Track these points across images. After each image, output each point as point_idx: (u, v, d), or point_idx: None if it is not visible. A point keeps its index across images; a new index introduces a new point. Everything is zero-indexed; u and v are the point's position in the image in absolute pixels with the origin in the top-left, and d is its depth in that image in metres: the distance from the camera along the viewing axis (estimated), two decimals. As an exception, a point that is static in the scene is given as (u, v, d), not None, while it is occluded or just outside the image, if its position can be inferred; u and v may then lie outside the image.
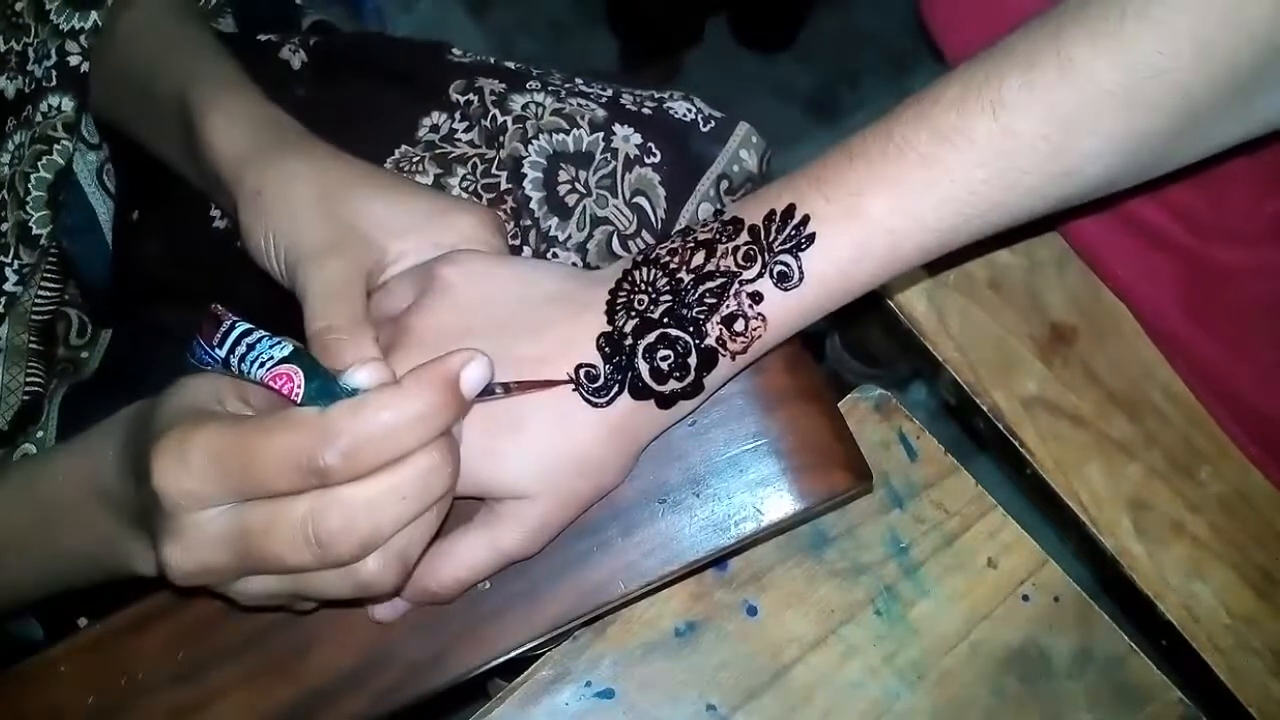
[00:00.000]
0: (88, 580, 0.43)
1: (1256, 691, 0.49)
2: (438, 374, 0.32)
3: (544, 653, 0.46)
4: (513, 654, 0.42)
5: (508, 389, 0.36)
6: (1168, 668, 0.49)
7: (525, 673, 0.46)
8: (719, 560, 0.47)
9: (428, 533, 0.34)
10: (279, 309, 0.44)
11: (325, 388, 0.32)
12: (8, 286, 0.50)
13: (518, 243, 0.53)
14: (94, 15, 0.49)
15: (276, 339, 0.33)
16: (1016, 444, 0.52)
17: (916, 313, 0.55)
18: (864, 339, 1.04)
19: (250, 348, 0.33)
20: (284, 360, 0.33)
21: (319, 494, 0.31)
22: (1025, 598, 0.48)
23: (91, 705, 0.41)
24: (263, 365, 0.33)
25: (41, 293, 0.54)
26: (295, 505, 0.31)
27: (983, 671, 0.47)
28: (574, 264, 0.53)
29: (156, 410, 0.35)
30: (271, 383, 0.32)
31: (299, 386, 0.32)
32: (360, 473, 0.31)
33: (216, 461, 0.31)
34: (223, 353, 0.34)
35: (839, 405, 0.47)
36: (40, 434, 0.54)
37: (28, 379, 0.53)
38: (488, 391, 0.35)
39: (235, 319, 0.34)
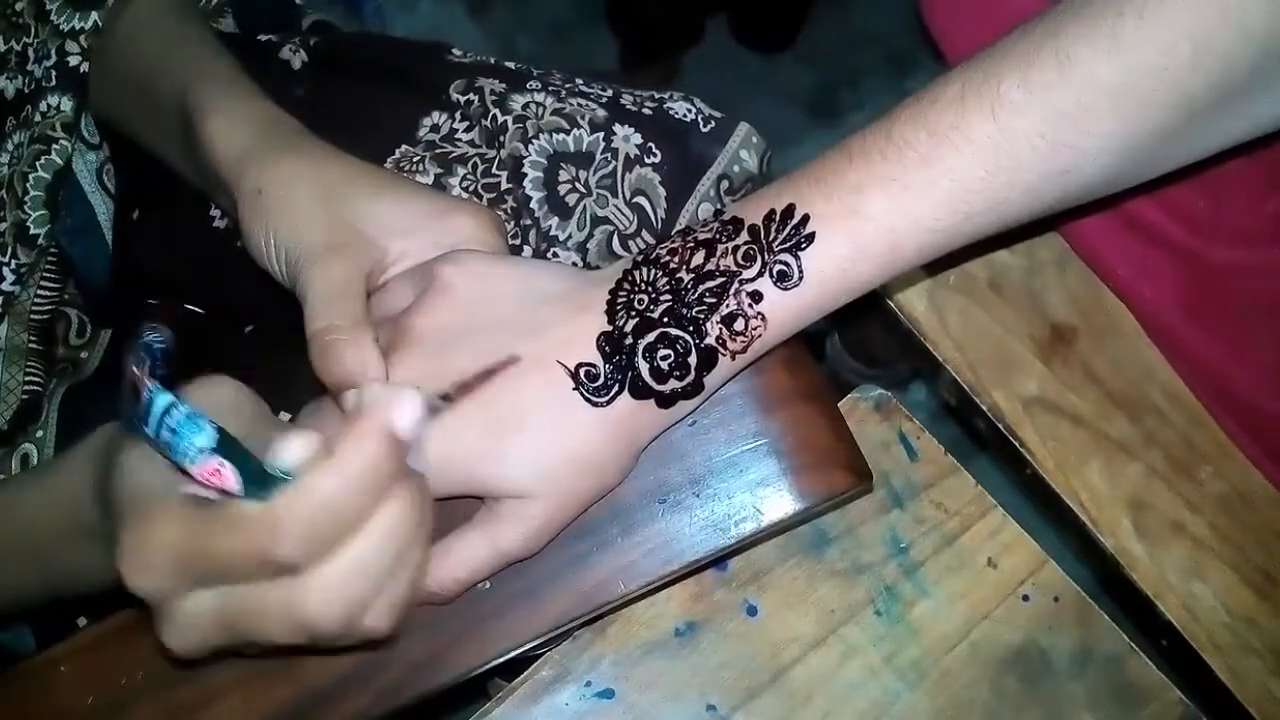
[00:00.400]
0: (82, 590, 0.43)
1: (1256, 691, 0.49)
2: (369, 430, 0.30)
3: (544, 653, 0.46)
4: (513, 654, 0.41)
5: (448, 398, 0.35)
6: (1168, 668, 0.49)
7: (525, 673, 0.46)
8: (719, 560, 0.47)
9: (415, 571, 0.33)
10: (278, 308, 0.44)
11: (258, 477, 0.30)
12: (5, 286, 0.50)
13: (518, 242, 0.53)
14: (94, 15, 0.49)
15: (195, 417, 0.30)
16: (1016, 444, 0.52)
17: (916, 313, 0.55)
18: (864, 339, 1.04)
19: (174, 432, 0.30)
20: (206, 450, 0.29)
21: (289, 583, 0.30)
22: (1025, 598, 0.48)
23: (91, 705, 0.41)
24: (189, 458, 0.30)
25: (41, 292, 0.54)
26: (268, 596, 0.30)
27: (983, 671, 0.47)
28: (574, 264, 0.53)
29: (109, 479, 0.34)
30: (205, 480, 0.30)
31: (233, 478, 0.30)
32: (325, 551, 0.30)
33: (178, 560, 0.30)
34: (150, 431, 0.30)
35: (839, 405, 0.47)
36: (40, 433, 0.54)
37: (27, 379, 0.53)
38: (432, 410, 0.33)
39: (151, 388, 0.30)
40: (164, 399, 0.30)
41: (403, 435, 0.31)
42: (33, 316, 0.54)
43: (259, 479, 0.30)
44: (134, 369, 0.31)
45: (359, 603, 0.31)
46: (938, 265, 0.55)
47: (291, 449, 0.30)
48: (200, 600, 0.31)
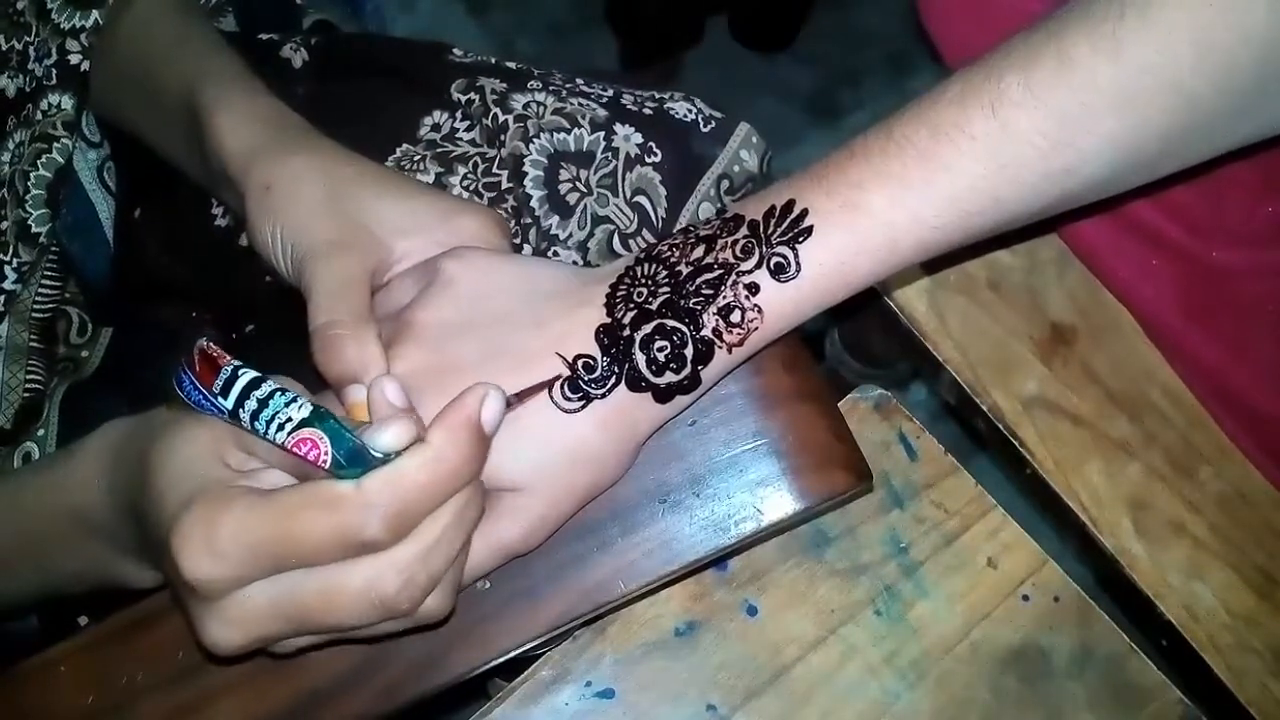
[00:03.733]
0: (79, 591, 0.43)
1: (1256, 691, 0.49)
2: (462, 423, 0.32)
3: (544, 653, 0.46)
4: (513, 654, 0.41)
5: (509, 404, 0.36)
6: (1168, 668, 0.49)
7: (525, 673, 0.46)
8: (719, 560, 0.47)
9: (466, 553, 0.35)
10: (279, 306, 0.44)
11: (354, 454, 0.31)
12: (7, 284, 0.50)
13: (518, 241, 0.53)
14: (95, 14, 0.49)
15: (289, 394, 0.31)
16: (1016, 444, 0.52)
17: (916, 313, 0.55)
18: (864, 339, 1.04)
19: (262, 404, 0.31)
20: (305, 423, 0.31)
21: (371, 561, 0.31)
22: (1025, 598, 0.48)
23: (91, 705, 0.41)
24: (282, 428, 0.31)
25: (42, 291, 0.54)
26: (350, 576, 0.31)
27: (983, 671, 0.47)
28: (575, 262, 0.53)
29: (153, 470, 0.34)
30: (295, 449, 0.31)
31: (325, 454, 0.30)
32: (405, 535, 0.31)
33: (251, 546, 0.30)
34: (228, 403, 0.31)
35: (839, 405, 0.47)
36: (41, 432, 0.54)
37: (28, 378, 0.53)
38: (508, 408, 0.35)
39: (237, 364, 0.32)
40: (249, 373, 0.31)
41: (489, 430, 0.33)
42: (34, 315, 0.54)
43: (353, 461, 0.31)
44: (206, 344, 0.32)
45: (432, 581, 0.32)
46: (938, 265, 0.55)
47: (392, 432, 0.31)
48: (258, 590, 0.31)
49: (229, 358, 0.32)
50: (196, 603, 0.31)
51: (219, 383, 0.31)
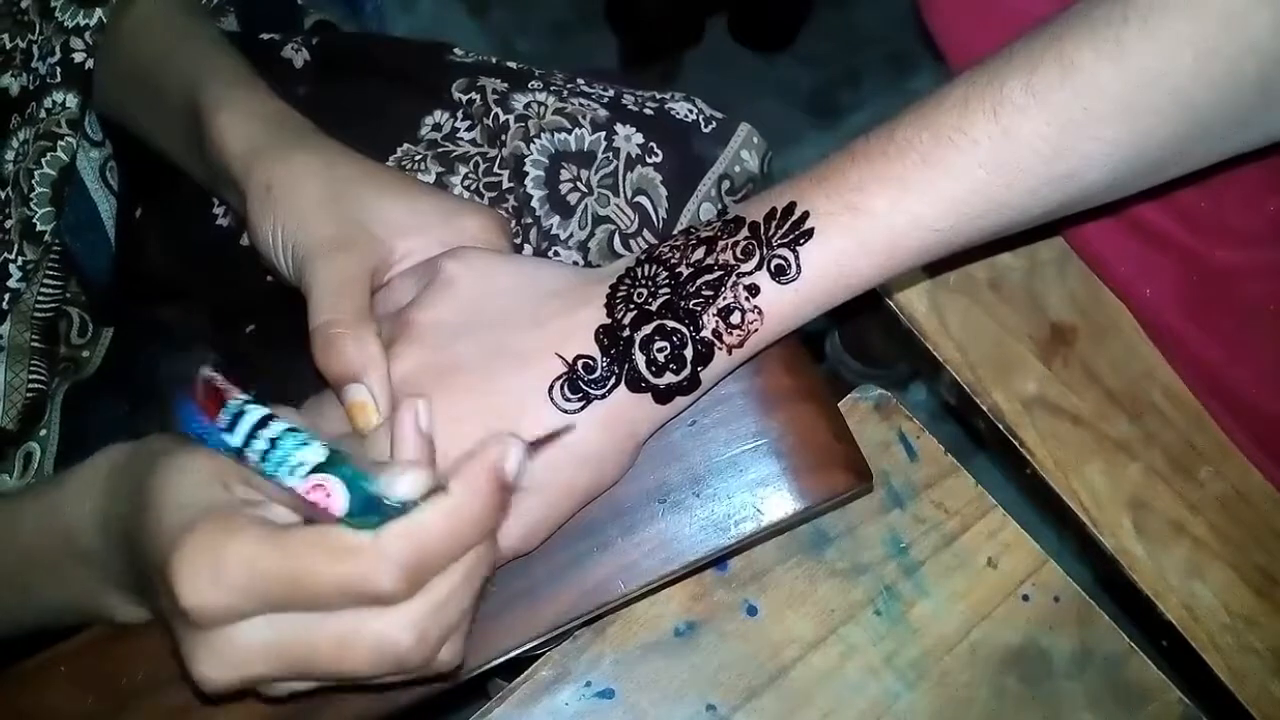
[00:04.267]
0: (66, 624, 0.42)
1: (1256, 691, 0.49)
2: (485, 474, 0.30)
3: (544, 653, 0.46)
4: (513, 654, 0.42)
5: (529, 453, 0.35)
6: (1168, 668, 0.49)
7: (525, 673, 0.46)
8: (719, 560, 0.47)
9: (479, 604, 0.34)
10: (280, 307, 0.44)
11: (370, 505, 0.29)
12: (12, 283, 0.50)
13: (519, 241, 0.53)
14: (99, 12, 0.49)
15: (301, 434, 0.29)
16: (1016, 444, 0.52)
17: (917, 313, 0.55)
18: (864, 339, 1.04)
19: (273, 444, 0.29)
20: (319, 468, 0.29)
21: (383, 615, 0.30)
22: (1025, 598, 0.48)
23: (91, 705, 0.41)
24: (293, 472, 0.29)
25: (44, 290, 0.54)
26: (363, 631, 0.30)
27: (983, 671, 0.47)
28: (575, 262, 0.53)
29: (151, 495, 0.33)
30: (306, 495, 0.29)
31: (340, 502, 0.29)
32: (419, 588, 0.30)
33: (258, 579, 0.29)
34: (235, 441, 0.29)
35: (839, 405, 0.47)
36: (44, 433, 0.54)
37: (31, 378, 0.53)
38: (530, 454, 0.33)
39: (245, 398, 0.30)
40: (259, 410, 0.30)
41: (509, 481, 0.31)
42: (36, 315, 0.54)
43: (368, 510, 0.29)
44: (210, 375, 0.30)
45: (447, 633, 0.31)
46: (938, 266, 0.55)
47: (408, 482, 0.30)
48: (255, 628, 0.30)
49: (236, 391, 0.30)
50: (189, 632, 0.30)
51: (225, 417, 0.30)
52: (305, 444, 0.29)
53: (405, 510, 0.29)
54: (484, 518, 0.31)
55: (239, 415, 0.30)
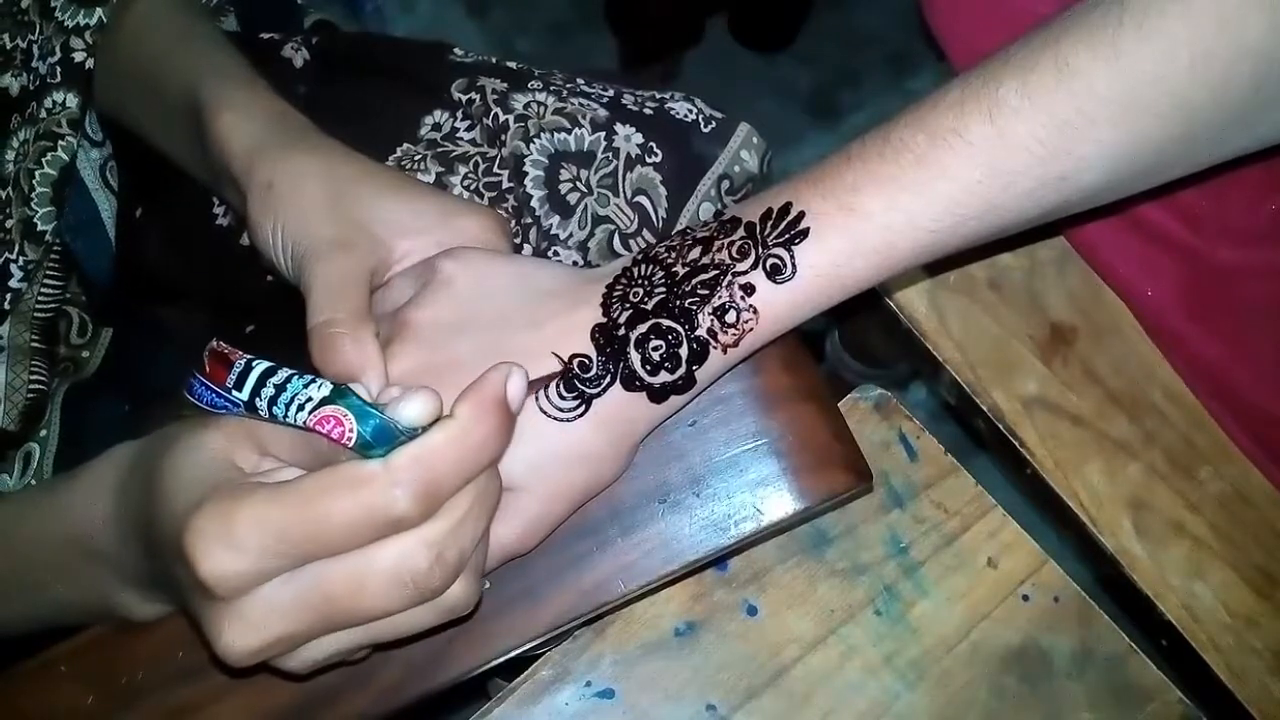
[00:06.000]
0: (78, 621, 0.42)
1: (1256, 691, 0.49)
2: (489, 398, 0.31)
3: (544, 653, 0.46)
4: (513, 654, 0.42)
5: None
6: (1168, 668, 0.49)
7: (525, 673, 0.46)
8: (719, 560, 0.47)
9: (488, 537, 0.35)
10: (280, 307, 0.44)
11: (380, 430, 0.30)
12: (13, 283, 0.50)
13: (519, 241, 0.53)
14: (99, 11, 0.49)
15: (306, 376, 0.31)
16: (1016, 444, 0.52)
17: (917, 313, 0.55)
18: (864, 339, 1.04)
19: (280, 389, 0.30)
20: (327, 401, 0.30)
21: (400, 539, 0.30)
22: (1025, 598, 0.48)
23: (91, 705, 0.41)
24: (302, 409, 0.30)
25: (44, 290, 0.54)
26: (380, 557, 0.30)
27: (983, 671, 0.47)
28: (575, 262, 0.53)
29: (163, 479, 0.33)
30: (318, 427, 0.30)
31: (350, 430, 0.29)
32: (434, 511, 0.30)
33: (274, 536, 0.29)
34: (243, 395, 0.31)
35: (839, 405, 0.47)
36: (44, 433, 0.54)
37: (32, 378, 0.53)
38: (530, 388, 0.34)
39: (250, 356, 0.31)
40: (263, 362, 0.31)
41: (514, 406, 0.32)
42: (36, 315, 0.54)
43: (379, 436, 0.30)
44: (217, 343, 0.31)
45: (462, 558, 0.32)
46: (938, 266, 0.55)
47: (415, 406, 0.30)
48: (278, 586, 0.30)
49: (240, 352, 0.32)
50: (211, 605, 0.30)
51: (232, 377, 0.31)
52: (311, 382, 0.30)
53: (414, 437, 0.30)
54: (490, 441, 0.31)
55: (246, 372, 0.31)
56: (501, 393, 0.32)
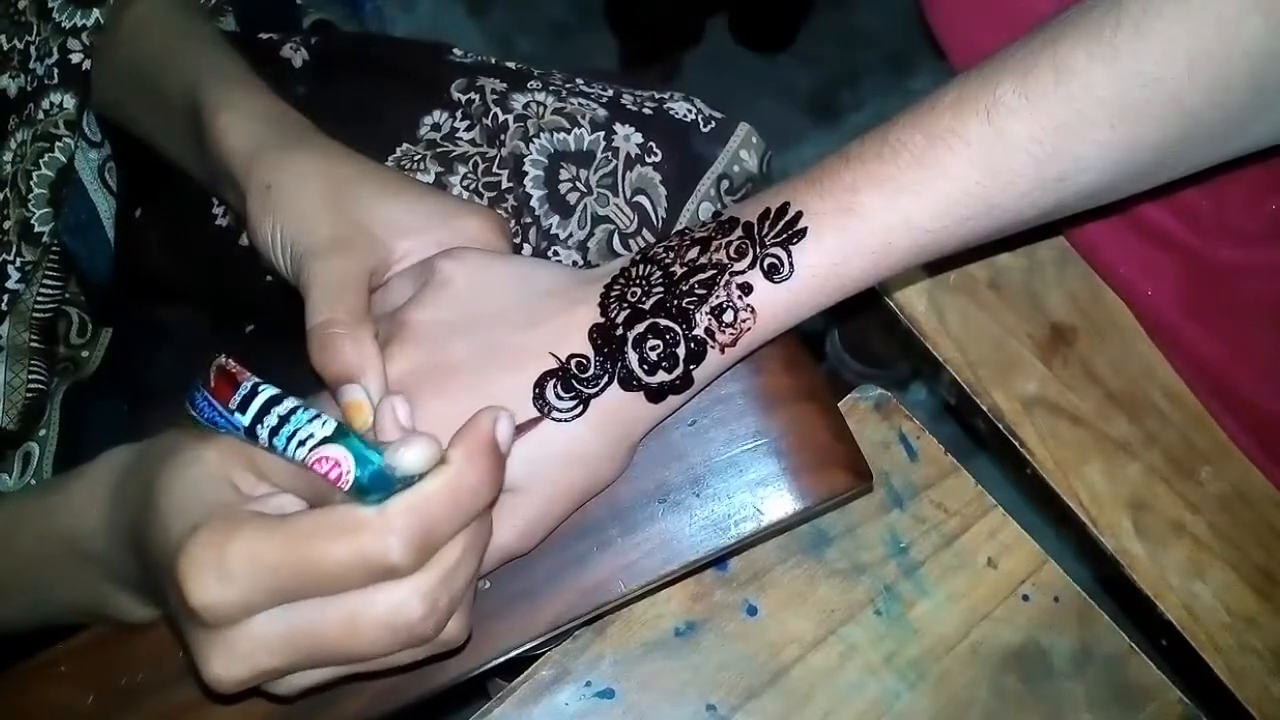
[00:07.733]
0: (74, 621, 0.42)
1: (1256, 691, 0.49)
2: (479, 443, 0.31)
3: (544, 653, 0.46)
4: (513, 654, 0.42)
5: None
6: (1168, 668, 0.49)
7: (525, 673, 0.46)
8: (719, 560, 0.47)
9: (479, 575, 0.35)
10: (279, 306, 0.44)
11: (377, 475, 0.30)
12: (10, 284, 0.50)
13: (519, 241, 0.53)
14: (96, 13, 0.49)
15: (310, 410, 0.31)
16: (1016, 444, 0.52)
17: (916, 313, 0.55)
18: (864, 339, 1.04)
19: (283, 420, 0.30)
20: (328, 440, 0.30)
21: (393, 587, 0.30)
22: (1025, 598, 0.48)
23: (91, 705, 0.41)
24: (303, 444, 0.30)
25: (43, 291, 0.54)
26: (373, 604, 0.30)
27: (983, 671, 0.47)
28: (575, 262, 0.53)
29: (158, 493, 0.33)
30: (316, 466, 0.30)
31: (347, 474, 0.29)
32: (427, 559, 0.30)
33: (266, 571, 0.29)
34: (245, 420, 0.30)
35: (839, 405, 0.47)
36: (43, 433, 0.54)
37: (31, 378, 0.53)
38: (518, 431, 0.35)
39: (257, 380, 0.31)
40: (269, 389, 0.31)
41: (505, 449, 0.32)
42: (35, 315, 0.54)
43: (375, 482, 0.30)
44: (225, 360, 0.31)
45: (455, 603, 0.32)
46: (938, 265, 0.55)
47: (415, 454, 0.30)
48: (267, 620, 0.30)
49: (248, 374, 0.31)
50: (200, 633, 0.30)
51: (236, 399, 0.31)
52: (316, 418, 0.30)
53: (409, 484, 0.30)
54: (483, 486, 0.31)
55: (251, 396, 0.31)
56: (492, 436, 0.32)
